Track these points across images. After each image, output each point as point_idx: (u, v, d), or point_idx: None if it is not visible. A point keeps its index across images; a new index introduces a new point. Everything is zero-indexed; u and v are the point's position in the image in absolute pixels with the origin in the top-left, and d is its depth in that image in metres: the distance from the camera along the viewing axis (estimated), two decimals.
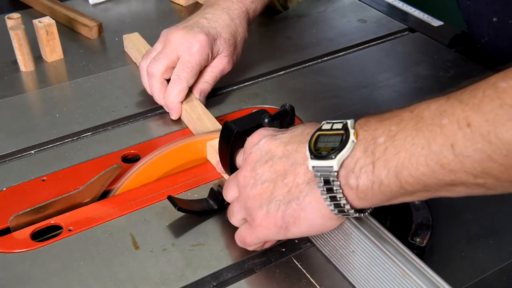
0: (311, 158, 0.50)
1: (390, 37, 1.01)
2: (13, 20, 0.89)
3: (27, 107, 0.85)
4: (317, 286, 0.57)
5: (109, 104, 0.84)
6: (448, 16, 1.08)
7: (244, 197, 0.56)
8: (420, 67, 0.92)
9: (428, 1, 1.24)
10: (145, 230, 0.63)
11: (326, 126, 0.52)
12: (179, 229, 0.63)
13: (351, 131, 0.50)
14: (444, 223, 0.65)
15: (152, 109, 0.83)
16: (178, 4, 1.11)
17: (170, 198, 0.63)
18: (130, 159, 0.74)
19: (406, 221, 0.62)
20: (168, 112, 0.81)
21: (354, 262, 0.56)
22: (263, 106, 0.83)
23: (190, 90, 0.81)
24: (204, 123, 0.76)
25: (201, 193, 0.68)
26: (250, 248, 0.60)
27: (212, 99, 0.85)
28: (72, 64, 0.94)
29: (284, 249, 0.61)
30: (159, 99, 0.81)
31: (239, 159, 0.62)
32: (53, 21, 0.92)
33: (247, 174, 0.56)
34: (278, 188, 0.53)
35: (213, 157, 0.71)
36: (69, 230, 0.63)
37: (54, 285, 0.58)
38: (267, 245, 0.61)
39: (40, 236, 0.64)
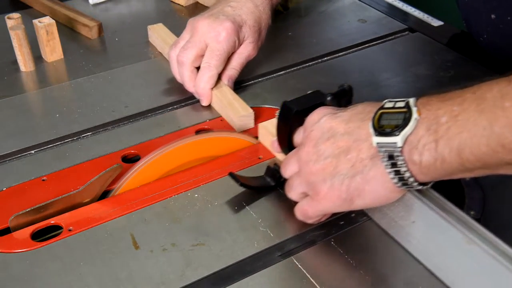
0: (375, 135, 0.53)
1: (390, 37, 1.01)
2: (13, 20, 0.89)
3: (27, 107, 0.85)
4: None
5: (109, 104, 0.84)
6: (448, 16, 1.08)
7: (306, 172, 0.59)
8: (420, 67, 0.92)
9: (428, 1, 1.24)
10: (145, 230, 0.63)
11: (389, 105, 0.55)
12: (179, 229, 0.63)
13: (414, 109, 0.52)
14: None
15: (152, 109, 0.83)
16: (178, 4, 1.11)
17: (231, 175, 0.66)
18: (130, 159, 0.74)
19: (458, 196, 0.65)
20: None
21: (414, 232, 0.59)
22: (263, 106, 0.83)
23: (219, 77, 0.83)
24: (235, 107, 0.79)
25: (201, 193, 0.68)
26: (310, 221, 0.63)
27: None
28: (72, 64, 0.94)
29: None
30: (189, 86, 0.83)
31: (297, 137, 0.64)
32: (53, 21, 0.92)
33: (310, 150, 0.59)
34: (342, 163, 0.56)
35: (266, 138, 0.74)
36: (69, 230, 0.63)
37: (54, 285, 0.58)
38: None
39: (40, 236, 0.64)
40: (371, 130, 0.54)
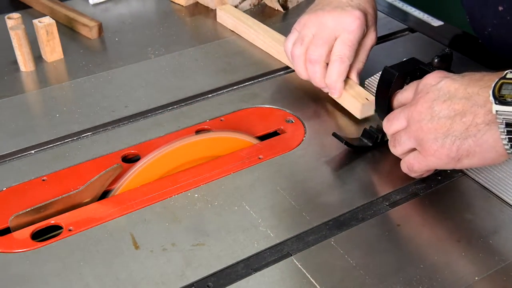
0: (496, 103, 0.56)
1: (390, 37, 1.01)
2: (13, 20, 0.89)
3: (27, 107, 0.85)
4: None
5: (109, 104, 0.84)
6: (448, 16, 1.08)
7: (416, 129, 0.63)
8: None
9: (428, 1, 1.24)
10: (145, 230, 0.63)
11: (510, 75, 0.58)
12: (179, 229, 0.63)
13: None
14: (444, 223, 0.65)
15: (152, 109, 0.83)
16: (178, 4, 1.11)
17: (335, 134, 0.72)
18: (130, 159, 0.74)
19: None
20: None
21: None
22: (263, 106, 0.83)
23: None
24: (362, 96, 0.80)
25: (201, 193, 0.68)
26: (414, 175, 0.68)
27: (212, 98, 0.85)
28: (72, 64, 0.94)
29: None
30: (321, 83, 0.82)
31: (402, 97, 0.70)
32: (53, 21, 0.92)
33: (423, 111, 0.62)
34: (455, 125, 0.60)
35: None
36: (69, 230, 0.63)
37: (54, 285, 0.58)
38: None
39: (40, 236, 0.64)
40: (491, 98, 0.57)
